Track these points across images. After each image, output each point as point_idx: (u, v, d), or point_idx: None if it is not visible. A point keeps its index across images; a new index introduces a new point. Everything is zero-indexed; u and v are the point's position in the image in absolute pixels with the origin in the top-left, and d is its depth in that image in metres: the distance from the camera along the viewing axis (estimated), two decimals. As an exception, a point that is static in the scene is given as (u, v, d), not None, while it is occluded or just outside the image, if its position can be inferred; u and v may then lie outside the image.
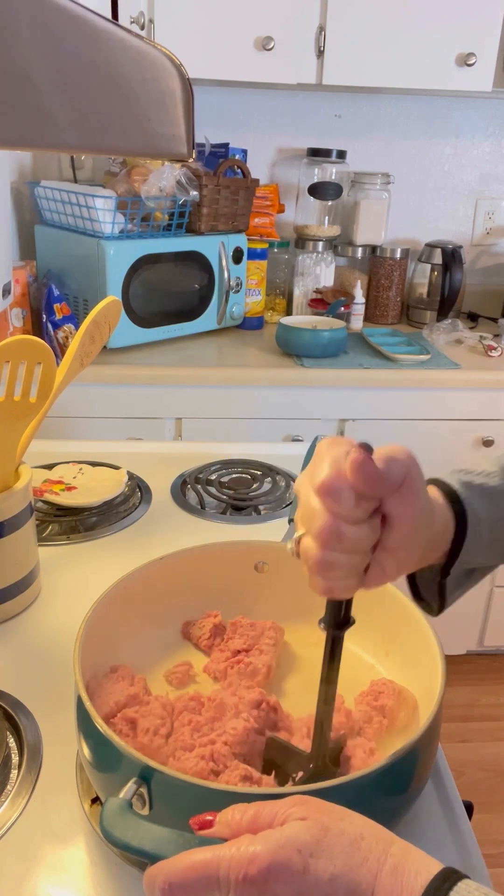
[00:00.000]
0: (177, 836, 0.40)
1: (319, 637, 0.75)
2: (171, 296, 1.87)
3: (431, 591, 0.61)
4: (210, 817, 0.41)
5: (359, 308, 2.09)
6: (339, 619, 0.51)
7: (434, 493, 0.55)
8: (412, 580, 0.63)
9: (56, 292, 1.73)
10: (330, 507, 0.45)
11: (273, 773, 0.56)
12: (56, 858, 0.55)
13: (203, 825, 0.41)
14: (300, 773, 0.55)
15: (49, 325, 1.72)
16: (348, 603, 0.51)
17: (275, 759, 0.58)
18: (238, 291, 1.98)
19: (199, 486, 1.12)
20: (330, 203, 2.15)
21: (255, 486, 1.13)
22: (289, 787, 0.53)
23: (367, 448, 0.45)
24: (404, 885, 0.36)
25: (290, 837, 0.37)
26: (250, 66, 1.80)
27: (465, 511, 0.55)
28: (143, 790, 0.48)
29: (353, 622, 0.51)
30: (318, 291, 2.12)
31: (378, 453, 0.46)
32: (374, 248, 2.24)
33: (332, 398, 1.79)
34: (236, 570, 0.77)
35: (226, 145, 2.03)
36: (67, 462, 1.15)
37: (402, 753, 0.50)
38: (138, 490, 1.11)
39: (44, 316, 1.73)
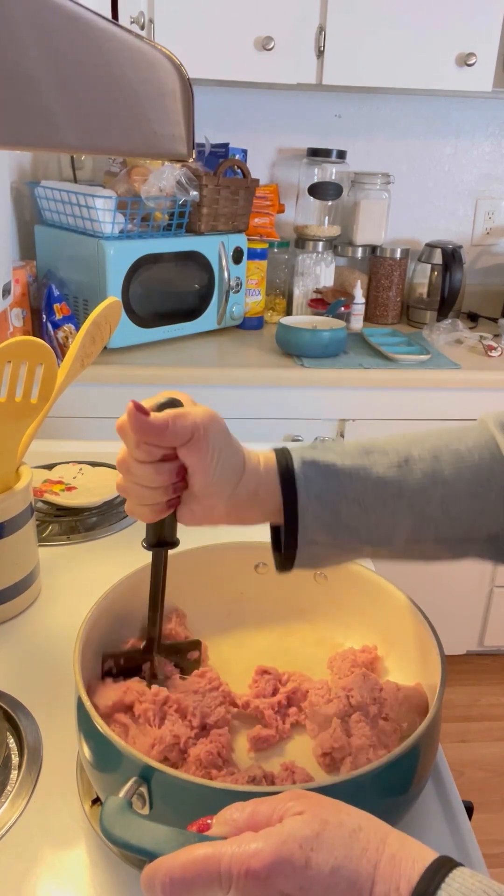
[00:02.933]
0: (177, 834, 0.40)
1: (319, 636, 0.75)
2: (171, 296, 1.87)
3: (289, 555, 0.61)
4: (209, 821, 0.41)
5: (359, 308, 2.09)
6: (152, 539, 0.60)
7: (268, 459, 0.59)
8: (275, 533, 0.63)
9: (56, 292, 1.73)
10: (123, 443, 0.54)
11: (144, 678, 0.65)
12: (56, 859, 0.55)
13: (201, 829, 0.41)
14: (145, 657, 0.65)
15: (49, 325, 1.72)
16: (160, 527, 0.59)
17: (129, 665, 0.66)
18: (238, 291, 1.98)
19: (200, 486, 1.12)
20: (330, 203, 2.15)
21: (255, 486, 1.13)
22: (288, 785, 0.53)
23: (167, 403, 0.54)
24: (402, 873, 0.36)
25: (290, 832, 0.37)
26: (250, 66, 1.80)
27: (296, 484, 0.57)
28: (143, 789, 0.48)
29: (175, 544, 0.61)
30: (318, 291, 2.12)
31: (169, 411, 0.53)
32: (374, 248, 2.24)
33: (332, 398, 1.79)
34: (236, 570, 0.77)
35: (226, 145, 2.03)
36: (67, 462, 1.15)
37: (402, 753, 0.50)
38: (138, 490, 1.11)
39: (44, 316, 1.73)
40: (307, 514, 0.57)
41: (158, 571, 0.62)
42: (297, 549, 0.58)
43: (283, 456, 0.59)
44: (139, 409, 0.52)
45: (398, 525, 0.58)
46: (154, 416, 0.52)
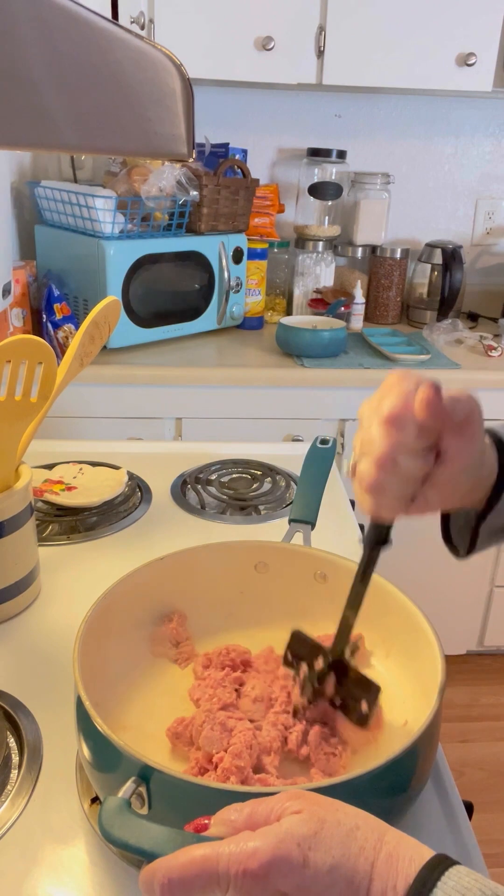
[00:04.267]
0: (175, 834, 0.40)
1: (319, 636, 0.75)
2: (171, 296, 1.87)
3: (463, 536, 0.62)
4: (206, 821, 0.41)
5: (359, 308, 2.09)
6: (379, 538, 0.56)
7: (487, 440, 0.57)
8: (444, 522, 0.65)
9: (56, 292, 1.73)
10: (393, 435, 0.49)
11: (292, 662, 0.65)
12: (56, 858, 0.55)
13: (199, 829, 0.41)
14: (319, 661, 0.62)
15: (49, 325, 1.72)
16: (389, 526, 0.56)
17: (297, 650, 0.66)
18: (238, 291, 1.98)
19: (199, 486, 1.12)
20: (330, 203, 2.15)
21: (255, 486, 1.13)
22: (287, 785, 0.53)
23: (436, 386, 0.49)
24: (399, 871, 0.36)
25: (288, 831, 0.37)
26: (250, 66, 1.80)
27: None
28: (142, 789, 0.48)
29: (392, 543, 0.57)
30: (318, 291, 2.12)
31: (446, 392, 0.49)
32: (374, 248, 2.24)
33: (332, 398, 1.79)
34: (236, 570, 0.77)
35: (226, 145, 2.03)
36: (67, 462, 1.15)
37: (402, 753, 0.50)
38: (138, 490, 1.11)
39: (44, 316, 1.73)
40: None
41: (370, 572, 0.59)
42: (484, 524, 0.58)
43: (494, 434, 0.58)
44: (438, 392, 0.48)
45: None
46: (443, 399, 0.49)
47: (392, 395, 0.49)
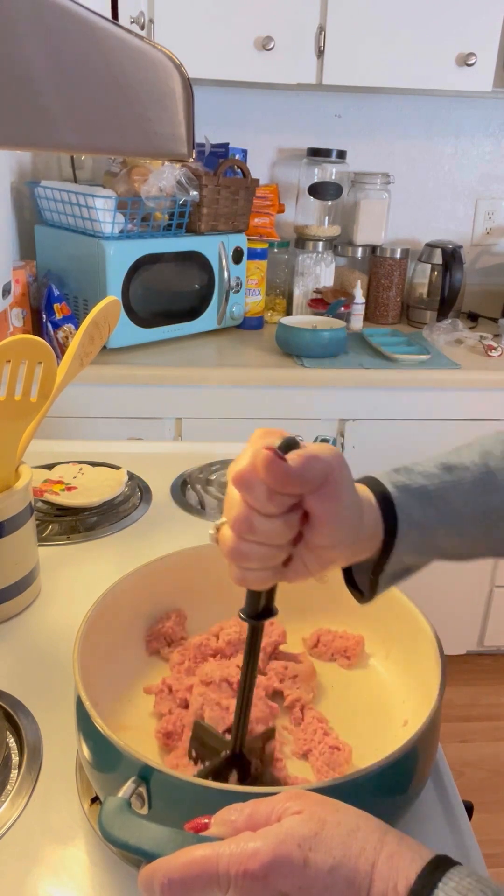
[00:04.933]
0: (175, 834, 0.40)
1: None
2: (171, 296, 1.87)
3: (363, 581, 0.59)
4: (206, 820, 0.41)
5: (359, 308, 2.09)
6: (256, 609, 0.51)
7: (366, 492, 0.53)
8: (346, 568, 0.61)
9: (56, 292, 1.73)
10: (244, 498, 0.45)
11: (196, 757, 0.58)
12: (56, 858, 0.55)
13: (199, 828, 0.41)
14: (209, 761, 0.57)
15: (49, 325, 1.72)
16: (268, 594, 0.51)
17: (200, 743, 0.59)
18: (238, 291, 1.98)
19: (199, 486, 1.12)
20: (330, 203, 2.15)
21: (255, 486, 1.13)
22: (287, 785, 0.53)
23: (291, 444, 0.45)
24: (400, 872, 0.36)
25: (288, 832, 0.37)
26: (250, 66, 1.81)
27: (397, 515, 0.53)
28: (142, 789, 0.48)
29: (275, 613, 0.51)
30: (318, 291, 2.12)
31: (299, 452, 0.45)
32: (374, 248, 2.24)
33: (332, 398, 1.79)
34: (236, 569, 0.76)
35: (226, 145, 2.03)
36: (67, 462, 1.15)
37: (402, 753, 0.50)
38: (138, 490, 1.11)
39: (44, 316, 1.73)
40: (402, 543, 0.53)
41: (256, 648, 0.53)
42: (382, 574, 0.55)
43: (375, 484, 0.54)
44: (279, 454, 0.44)
45: (479, 543, 0.57)
46: (290, 460, 0.44)
47: (245, 454, 0.46)
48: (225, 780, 0.55)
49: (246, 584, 0.49)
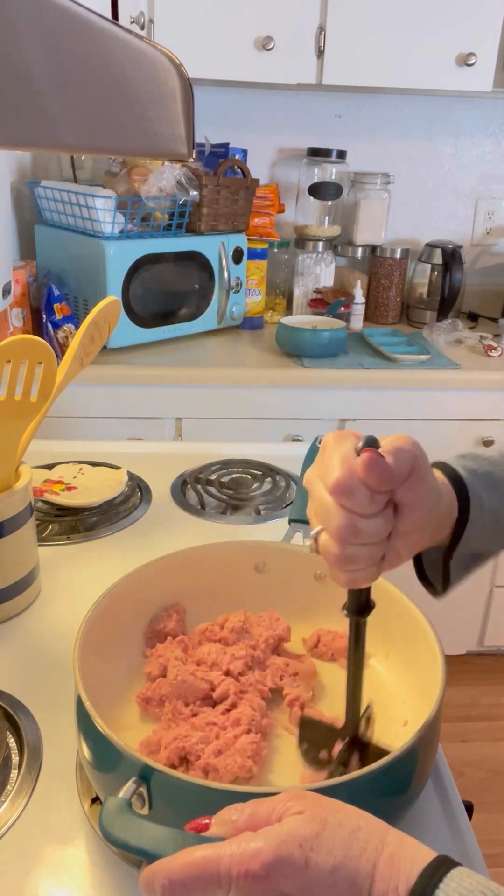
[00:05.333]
0: (176, 835, 0.40)
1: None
2: (171, 296, 1.87)
3: (436, 572, 0.62)
4: (206, 821, 0.41)
5: (359, 308, 2.09)
6: (361, 605, 0.53)
7: (439, 476, 0.56)
8: (418, 561, 0.64)
9: (56, 292, 1.73)
10: (344, 504, 0.46)
11: (306, 749, 0.60)
12: (56, 858, 0.55)
13: (199, 829, 0.41)
14: (337, 745, 0.58)
15: (49, 325, 1.72)
16: (368, 589, 0.53)
17: (309, 736, 0.62)
18: (238, 291, 1.98)
19: (199, 486, 1.12)
20: (330, 203, 2.15)
21: (255, 486, 1.13)
22: (287, 785, 0.53)
23: (373, 443, 0.47)
24: (401, 872, 0.36)
25: (290, 832, 0.37)
26: (250, 66, 1.81)
27: (469, 496, 0.56)
28: (143, 790, 0.48)
29: (374, 606, 0.54)
30: (318, 291, 2.12)
31: (385, 446, 0.47)
32: (374, 248, 2.24)
33: (332, 398, 1.79)
34: (236, 570, 0.77)
35: (226, 145, 2.03)
36: (67, 462, 1.15)
37: (402, 753, 0.50)
38: (138, 490, 1.11)
39: (44, 316, 1.73)
40: (474, 523, 0.56)
41: (362, 642, 0.55)
42: (453, 560, 0.58)
43: (445, 467, 0.57)
44: (379, 454, 0.45)
45: None
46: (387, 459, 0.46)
47: (334, 461, 0.47)
48: (346, 765, 0.58)
49: (356, 585, 0.51)
